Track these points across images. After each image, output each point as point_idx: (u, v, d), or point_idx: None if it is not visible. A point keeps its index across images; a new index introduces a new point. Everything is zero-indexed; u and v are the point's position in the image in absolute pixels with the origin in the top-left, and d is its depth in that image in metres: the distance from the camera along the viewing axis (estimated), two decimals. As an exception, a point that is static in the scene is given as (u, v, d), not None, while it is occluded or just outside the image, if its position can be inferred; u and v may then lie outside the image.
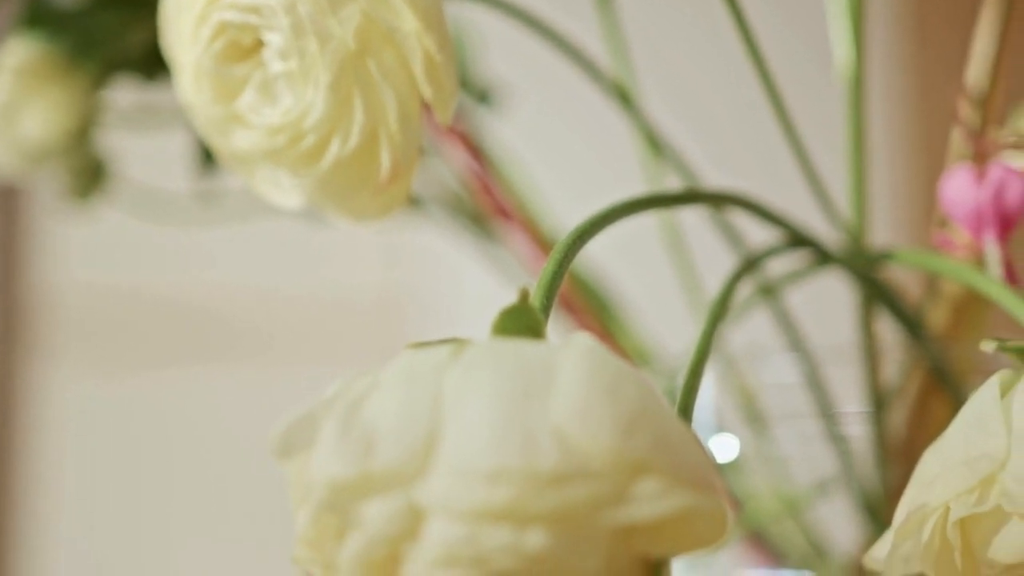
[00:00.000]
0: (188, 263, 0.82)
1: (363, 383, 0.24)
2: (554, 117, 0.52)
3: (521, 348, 0.24)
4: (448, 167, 0.42)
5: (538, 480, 0.22)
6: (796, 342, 0.41)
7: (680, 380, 0.28)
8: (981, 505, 0.27)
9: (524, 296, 0.25)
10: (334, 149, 0.30)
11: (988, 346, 0.29)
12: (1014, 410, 0.28)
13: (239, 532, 0.79)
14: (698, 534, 0.23)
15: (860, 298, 0.37)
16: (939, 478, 0.28)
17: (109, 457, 0.84)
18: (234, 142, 0.32)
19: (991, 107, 0.37)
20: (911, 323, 0.37)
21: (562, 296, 0.41)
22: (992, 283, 0.32)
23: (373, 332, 0.80)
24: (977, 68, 0.37)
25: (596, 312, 0.40)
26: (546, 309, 0.26)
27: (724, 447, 0.43)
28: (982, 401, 0.28)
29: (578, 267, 0.42)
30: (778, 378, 0.43)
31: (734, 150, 0.40)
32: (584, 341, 0.23)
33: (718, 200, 0.31)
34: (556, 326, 0.41)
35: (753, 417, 0.42)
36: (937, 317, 0.40)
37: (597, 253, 0.44)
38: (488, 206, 0.40)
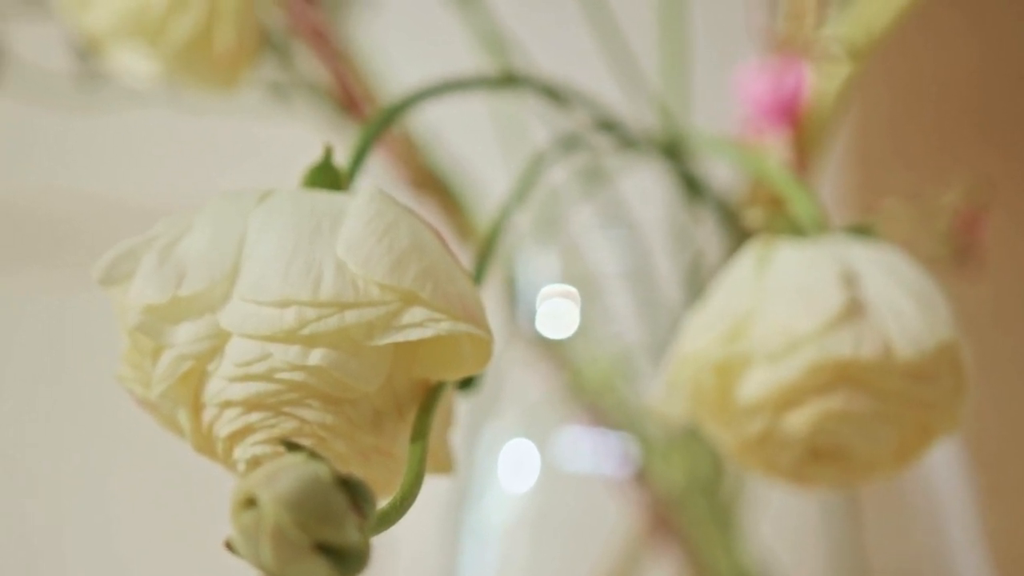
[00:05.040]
0: (43, 171, 0.81)
1: (181, 223, 0.27)
2: (423, 11, 0.55)
3: (318, 196, 0.27)
4: (314, 61, 0.45)
5: (319, 306, 0.25)
6: (630, 225, 0.45)
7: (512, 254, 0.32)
8: (730, 350, 0.31)
9: (327, 153, 0.29)
10: (178, 25, 0.33)
11: (756, 216, 0.33)
12: (768, 272, 0.32)
13: (66, 438, 0.80)
14: (466, 359, 0.27)
15: (673, 183, 0.40)
16: (698, 329, 0.32)
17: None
18: (90, 19, 0.35)
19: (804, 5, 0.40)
20: (719, 206, 0.40)
21: (413, 177, 0.44)
22: (774, 168, 0.35)
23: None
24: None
25: (443, 192, 0.44)
26: (354, 169, 0.30)
27: (566, 317, 0.47)
28: (740, 264, 0.32)
29: (432, 150, 0.45)
30: (614, 257, 0.47)
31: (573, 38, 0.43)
32: (371, 188, 0.27)
33: (523, 83, 0.35)
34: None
35: (590, 292, 0.46)
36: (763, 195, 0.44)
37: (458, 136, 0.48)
38: (346, 101, 0.43)
